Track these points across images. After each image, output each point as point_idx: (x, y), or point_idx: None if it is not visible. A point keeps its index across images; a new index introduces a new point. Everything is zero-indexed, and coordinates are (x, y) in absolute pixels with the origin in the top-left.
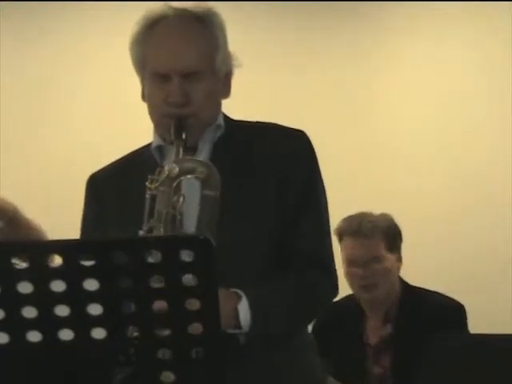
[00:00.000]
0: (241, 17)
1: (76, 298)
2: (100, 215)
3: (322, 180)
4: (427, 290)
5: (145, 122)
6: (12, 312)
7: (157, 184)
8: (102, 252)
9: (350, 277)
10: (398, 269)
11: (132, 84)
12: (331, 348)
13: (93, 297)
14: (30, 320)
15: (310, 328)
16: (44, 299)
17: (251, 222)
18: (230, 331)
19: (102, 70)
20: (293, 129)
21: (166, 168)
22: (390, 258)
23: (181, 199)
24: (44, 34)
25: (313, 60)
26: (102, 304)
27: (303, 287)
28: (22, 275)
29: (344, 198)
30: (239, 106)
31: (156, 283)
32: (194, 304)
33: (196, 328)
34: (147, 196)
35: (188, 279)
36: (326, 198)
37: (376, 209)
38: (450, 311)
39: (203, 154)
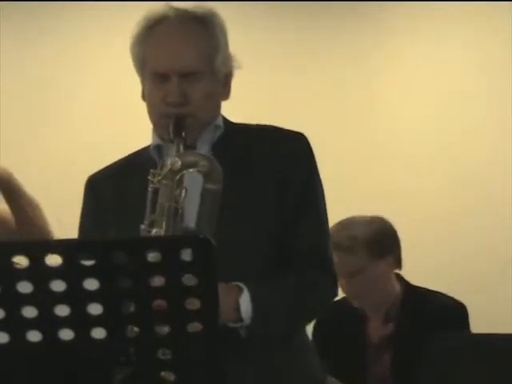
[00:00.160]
0: (240, 17)
1: (76, 297)
2: (98, 216)
3: (320, 182)
4: (429, 290)
5: (144, 122)
6: (12, 312)
7: (159, 177)
8: (102, 252)
9: (340, 286)
10: (393, 271)
11: (132, 84)
12: (332, 347)
13: (93, 296)
14: (30, 320)
15: (310, 327)
16: (44, 299)
17: (251, 222)
18: (231, 325)
19: (101, 70)
20: (292, 131)
21: (169, 162)
22: (378, 265)
23: (183, 193)
24: (44, 34)
25: (313, 60)
26: (102, 304)
27: (303, 286)
28: (21, 275)
29: (343, 197)
30: (239, 106)
31: (156, 283)
32: (193, 303)
33: (196, 327)
34: (149, 189)
35: (188, 279)
36: (324, 199)
37: (376, 209)
38: (452, 311)
39: None
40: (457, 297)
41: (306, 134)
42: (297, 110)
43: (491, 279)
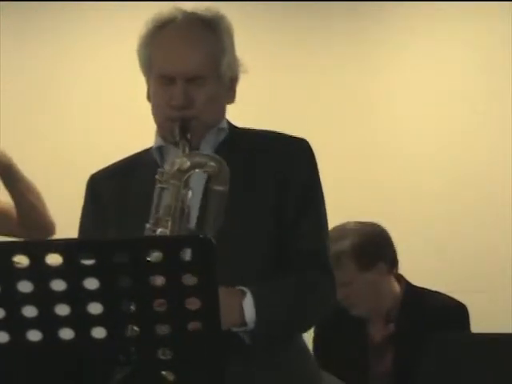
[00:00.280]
0: (241, 17)
1: (76, 297)
2: (99, 215)
3: (321, 186)
4: (429, 290)
5: (145, 122)
6: (12, 311)
7: (167, 177)
8: (102, 251)
9: None
10: (389, 275)
11: (132, 84)
12: (333, 348)
13: (93, 296)
14: (30, 319)
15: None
16: (44, 298)
17: (251, 222)
18: (235, 329)
19: (102, 69)
20: (295, 137)
21: (177, 161)
22: (368, 276)
23: (190, 193)
24: (44, 34)
25: (312, 60)
26: (102, 303)
27: (304, 287)
28: (22, 274)
29: (343, 197)
30: (239, 105)
31: (156, 282)
32: (194, 303)
33: (196, 327)
34: (156, 188)
35: (188, 278)
36: (324, 203)
37: (375, 208)
38: (452, 311)
39: None
40: (457, 296)
41: (305, 133)
42: (296, 110)
43: (491, 279)
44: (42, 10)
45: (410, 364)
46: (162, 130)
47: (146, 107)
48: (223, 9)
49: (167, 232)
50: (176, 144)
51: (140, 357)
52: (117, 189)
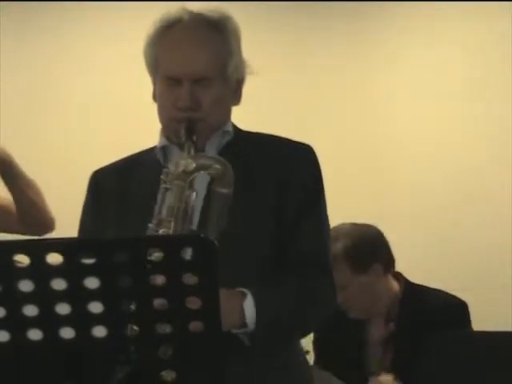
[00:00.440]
0: (240, 17)
1: (77, 296)
2: (99, 213)
3: (323, 190)
4: (429, 288)
5: (145, 122)
6: (13, 310)
7: (172, 177)
8: (102, 250)
9: None
10: (387, 274)
11: (133, 84)
12: (333, 347)
13: (93, 295)
14: (30, 318)
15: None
16: (45, 297)
17: (252, 224)
18: (235, 331)
19: (102, 69)
20: (300, 142)
21: (182, 162)
22: (362, 278)
23: (194, 195)
24: (44, 34)
25: (312, 60)
26: (102, 302)
27: (304, 291)
28: (22, 273)
29: (343, 196)
30: (239, 105)
31: (157, 281)
32: (194, 302)
33: (197, 326)
34: (161, 188)
35: (189, 278)
36: (326, 207)
37: (376, 208)
38: (453, 309)
39: None
40: (457, 294)
41: (305, 133)
42: (296, 110)
43: (491, 277)
44: (42, 10)
45: (410, 363)
46: (166, 131)
47: (146, 107)
48: (223, 9)
49: (170, 233)
50: (181, 145)
51: (140, 356)
52: (118, 187)
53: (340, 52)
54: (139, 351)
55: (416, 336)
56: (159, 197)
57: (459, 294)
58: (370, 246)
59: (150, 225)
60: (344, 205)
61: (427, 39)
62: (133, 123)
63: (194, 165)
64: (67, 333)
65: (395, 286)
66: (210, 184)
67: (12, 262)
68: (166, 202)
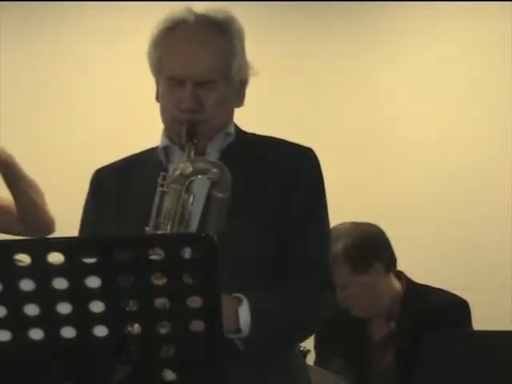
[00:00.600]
0: (242, 17)
1: (78, 295)
2: (100, 212)
3: (325, 194)
4: (431, 287)
5: (145, 122)
6: (14, 309)
7: (169, 181)
8: (103, 249)
9: None
10: (388, 273)
11: (133, 84)
12: (335, 345)
13: (95, 294)
14: (32, 317)
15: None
16: (46, 297)
17: (253, 227)
18: (230, 336)
19: (102, 69)
20: (302, 145)
21: (180, 166)
22: (363, 278)
23: (191, 198)
24: (44, 34)
25: (312, 60)
26: (103, 301)
27: (304, 300)
28: (24, 272)
29: (344, 196)
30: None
31: (158, 281)
32: (195, 302)
33: (198, 326)
34: (158, 192)
35: (190, 277)
36: (327, 211)
37: (377, 207)
38: (454, 308)
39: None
40: (458, 294)
41: (305, 133)
42: (296, 110)
43: (491, 277)
44: (42, 10)
45: (411, 361)
46: (168, 131)
47: (147, 107)
48: (227, 9)
49: None
50: (182, 146)
51: (141, 355)
52: (119, 186)
53: (340, 52)
54: (140, 351)
55: (417, 335)
56: (156, 200)
57: (459, 293)
58: (370, 246)
59: (147, 228)
60: (344, 205)
61: (427, 39)
62: (133, 123)
63: (191, 168)
64: (68, 332)
65: (397, 284)
66: (210, 188)
67: (13, 262)
68: (163, 205)
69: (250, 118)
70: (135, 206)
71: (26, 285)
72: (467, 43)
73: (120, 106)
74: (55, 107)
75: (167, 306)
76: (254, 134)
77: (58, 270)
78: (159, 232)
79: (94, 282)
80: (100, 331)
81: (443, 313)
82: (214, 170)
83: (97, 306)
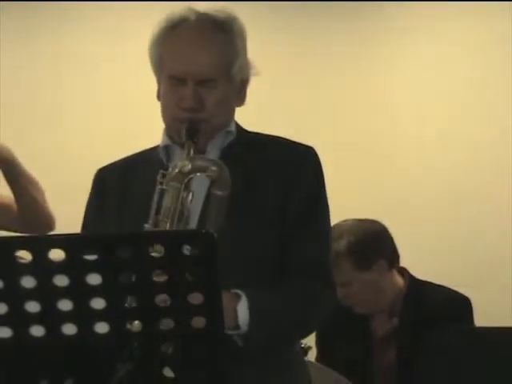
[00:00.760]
0: (242, 17)
1: (79, 292)
2: (102, 211)
3: (325, 192)
4: (433, 284)
5: (146, 122)
6: (15, 306)
7: (168, 179)
8: (104, 246)
9: None
10: (391, 270)
11: (133, 83)
12: (337, 342)
13: (96, 291)
14: (33, 314)
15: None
16: (47, 293)
17: (253, 225)
18: (229, 332)
19: (102, 69)
20: (303, 144)
21: (179, 164)
22: (366, 275)
23: (190, 196)
24: (44, 34)
25: (312, 60)
26: (104, 298)
27: (303, 299)
28: (25, 269)
29: (344, 196)
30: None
31: (159, 277)
32: (196, 298)
33: (199, 322)
34: (157, 190)
35: (191, 273)
36: (328, 210)
37: (376, 207)
38: (456, 304)
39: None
40: (460, 290)
41: (305, 133)
42: (297, 111)
43: (492, 272)
44: (42, 10)
45: (413, 358)
46: (169, 130)
47: (147, 106)
48: (229, 9)
49: None
50: (182, 145)
51: (142, 352)
52: (121, 185)
53: (340, 52)
54: (141, 347)
55: (419, 331)
56: (155, 197)
57: (460, 290)
58: (374, 242)
59: (146, 225)
60: (344, 206)
61: (427, 39)
62: (132, 122)
63: (190, 166)
64: (69, 329)
65: (399, 281)
66: (209, 186)
67: (14, 258)
68: (162, 203)
69: (250, 117)
70: (135, 204)
71: (27, 282)
72: (467, 43)
73: (120, 106)
74: (55, 107)
75: (168, 302)
76: (255, 133)
77: (58, 267)
78: (159, 229)
79: (94, 278)
80: (101, 328)
81: (445, 309)
82: (213, 168)
83: (98, 303)
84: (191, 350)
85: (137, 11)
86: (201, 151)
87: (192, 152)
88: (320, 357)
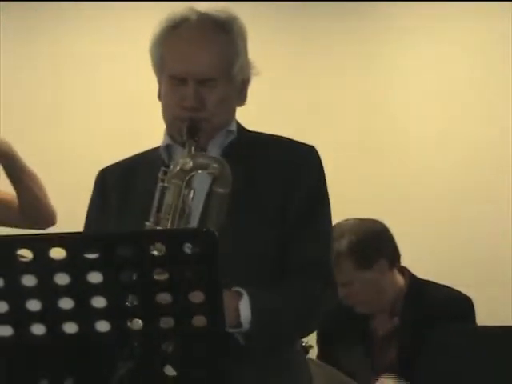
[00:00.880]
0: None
1: (80, 290)
2: (104, 210)
3: (327, 192)
4: (434, 283)
5: (146, 122)
6: (16, 305)
7: (169, 176)
8: (105, 245)
9: None
10: (392, 270)
11: (133, 83)
12: (338, 341)
13: (97, 289)
14: (34, 313)
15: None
16: (48, 292)
17: (254, 224)
18: (231, 330)
19: (101, 68)
20: (304, 143)
21: (180, 161)
22: (367, 275)
23: (191, 193)
24: (44, 34)
25: (312, 60)
26: (105, 297)
27: (304, 299)
28: (26, 268)
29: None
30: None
31: (159, 276)
32: (197, 297)
33: (200, 321)
34: (158, 187)
35: (192, 272)
36: (330, 209)
37: (376, 206)
38: (457, 304)
39: None
40: (461, 290)
41: (305, 133)
42: (297, 111)
43: (492, 272)
44: (42, 10)
45: (414, 357)
46: (170, 130)
47: (147, 106)
48: (230, 9)
49: None
50: (183, 144)
51: (143, 350)
52: (123, 185)
53: (340, 52)
54: (142, 346)
55: (420, 330)
56: (157, 195)
57: (461, 289)
58: (375, 242)
59: (148, 223)
60: (343, 205)
61: (427, 39)
62: (133, 122)
63: (192, 164)
64: (70, 327)
65: (400, 280)
66: (211, 184)
67: (15, 257)
68: (164, 200)
69: (251, 117)
70: (137, 202)
71: (28, 280)
72: (467, 43)
73: (120, 106)
74: (55, 107)
75: (169, 301)
76: (256, 132)
77: (59, 266)
78: (160, 227)
79: (95, 277)
80: (102, 326)
81: (446, 308)
82: (215, 165)
83: (98, 302)
84: (192, 348)
85: (137, 11)
86: (202, 150)
87: (193, 149)
88: (321, 356)
